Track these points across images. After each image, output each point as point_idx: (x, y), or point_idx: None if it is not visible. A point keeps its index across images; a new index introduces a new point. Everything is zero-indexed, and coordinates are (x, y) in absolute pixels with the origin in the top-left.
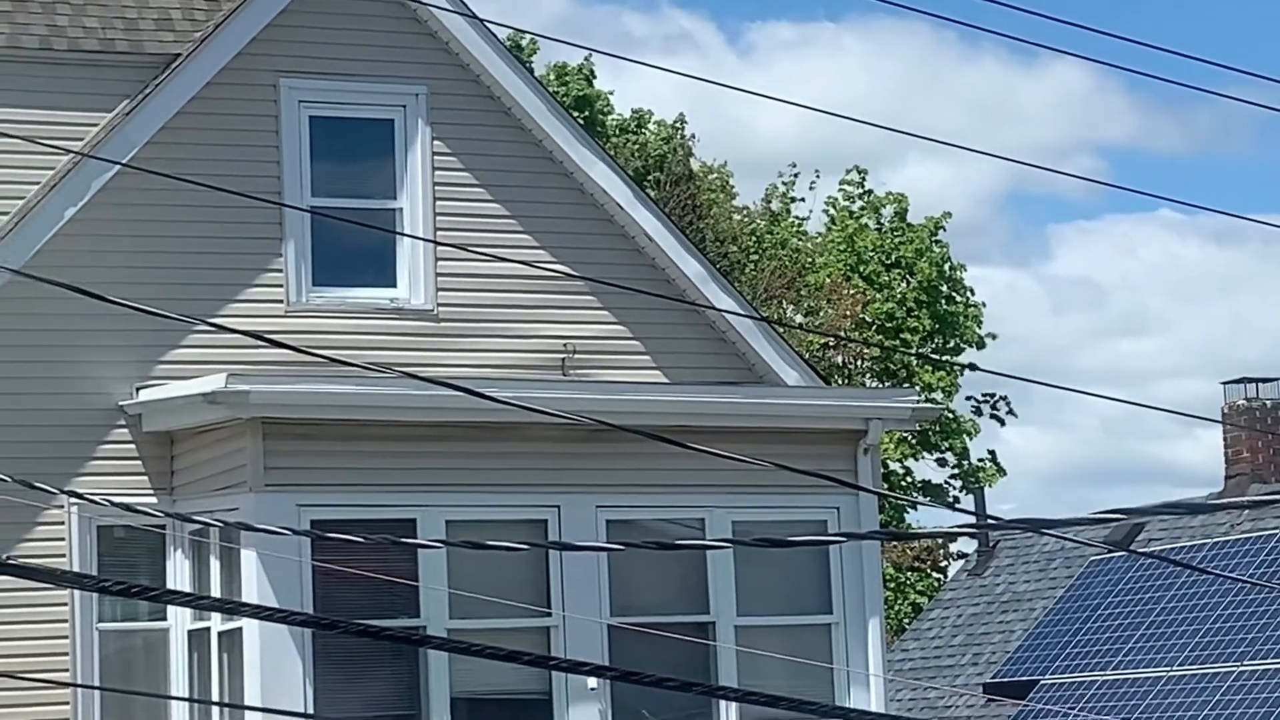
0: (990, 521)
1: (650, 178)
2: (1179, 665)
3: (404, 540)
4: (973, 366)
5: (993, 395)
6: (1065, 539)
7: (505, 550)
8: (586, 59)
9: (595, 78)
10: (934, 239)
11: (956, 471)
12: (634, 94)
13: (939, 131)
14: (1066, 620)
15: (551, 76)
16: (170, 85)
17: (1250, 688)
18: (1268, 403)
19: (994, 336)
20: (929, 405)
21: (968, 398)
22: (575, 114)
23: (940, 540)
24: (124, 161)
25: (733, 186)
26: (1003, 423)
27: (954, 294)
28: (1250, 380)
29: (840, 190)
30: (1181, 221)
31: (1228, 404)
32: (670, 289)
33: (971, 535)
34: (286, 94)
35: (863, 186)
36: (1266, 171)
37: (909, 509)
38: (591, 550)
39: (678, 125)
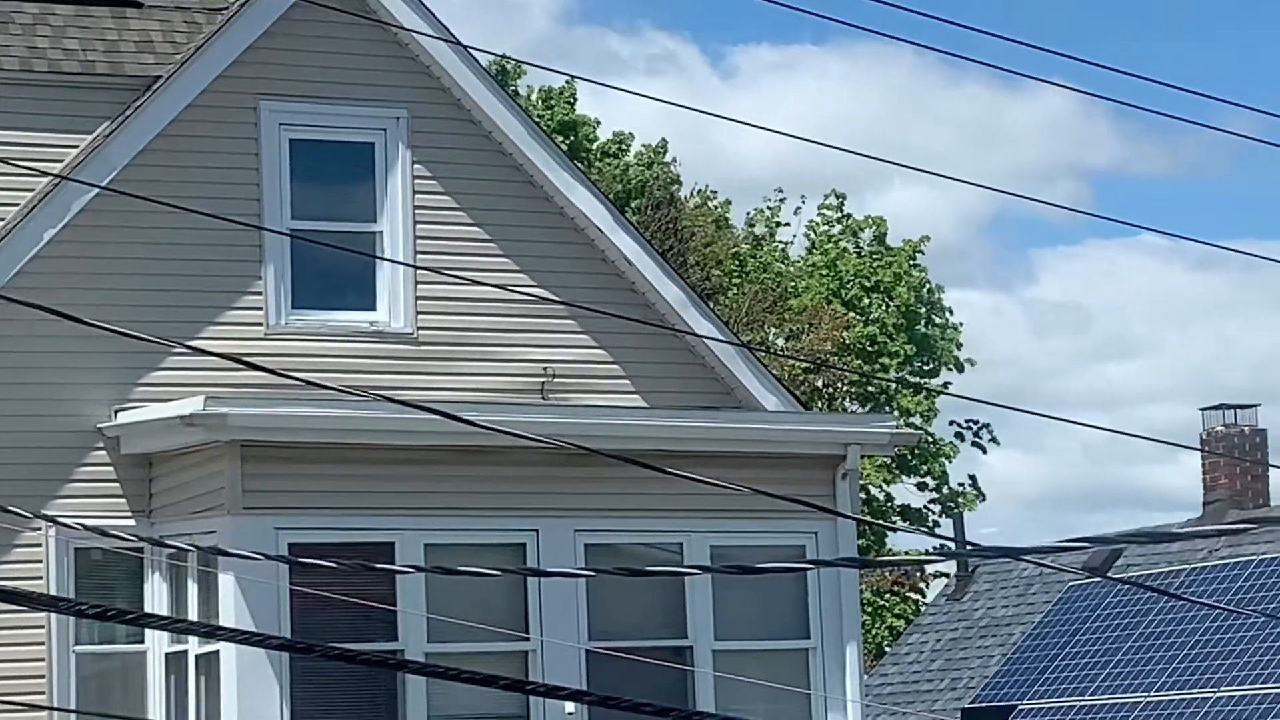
0: (965, 549)
1: (632, 204)
2: (1156, 691)
3: (378, 566)
4: (945, 388)
5: (975, 422)
6: (1042, 565)
7: (479, 576)
8: (569, 82)
9: (576, 100)
10: (912, 263)
11: (936, 496)
12: (617, 115)
13: (924, 154)
14: (1045, 645)
15: (537, 101)
16: (150, 107)
17: (1227, 714)
18: (1246, 429)
19: (972, 362)
20: (908, 431)
21: (950, 422)
22: (559, 139)
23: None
24: (104, 184)
25: (729, 219)
26: (984, 450)
27: (933, 317)
28: (1229, 406)
29: (820, 214)
30: (1165, 247)
31: (1206, 430)
32: (650, 314)
33: (945, 559)
34: (267, 117)
35: (841, 210)
36: (1248, 197)
37: (888, 534)
38: (565, 576)
39: (659, 150)
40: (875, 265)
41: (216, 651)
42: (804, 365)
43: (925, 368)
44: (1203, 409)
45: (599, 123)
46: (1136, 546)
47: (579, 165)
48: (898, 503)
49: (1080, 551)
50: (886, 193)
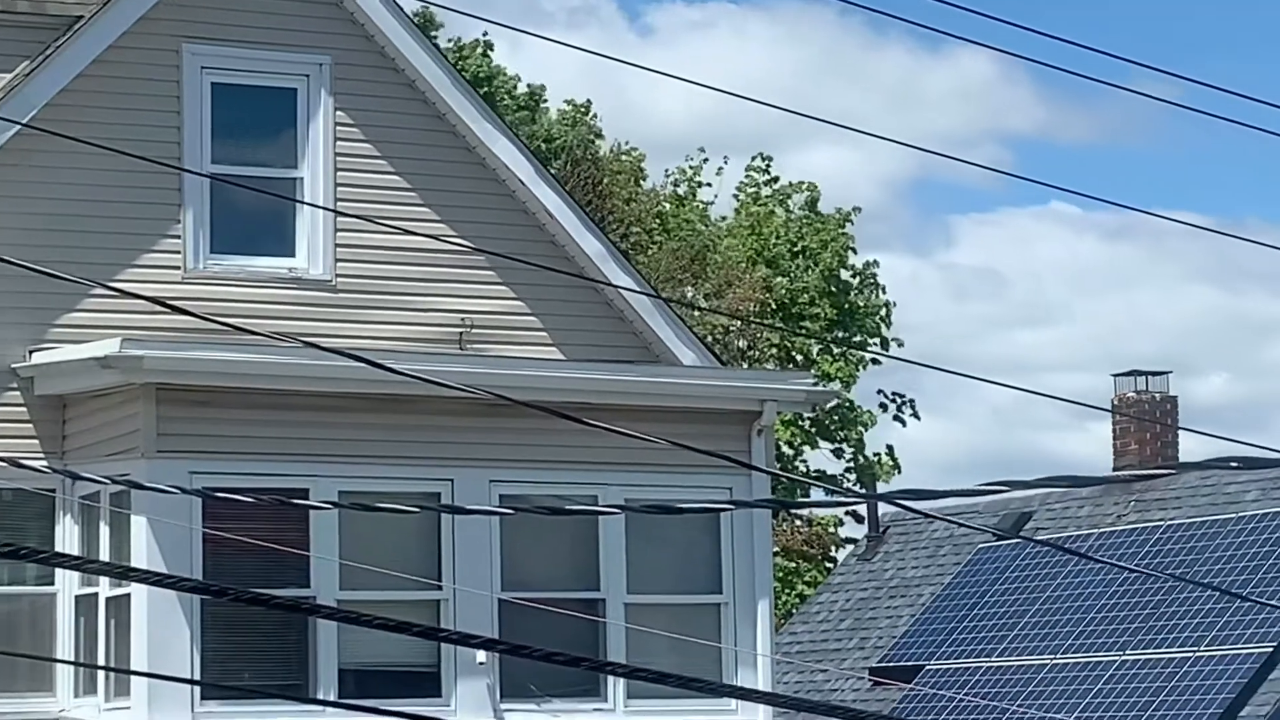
0: (878, 493)
1: (555, 165)
2: (1063, 654)
3: (294, 501)
4: (872, 355)
5: (900, 396)
6: (954, 523)
7: (396, 513)
8: (484, 34)
9: (493, 49)
10: (841, 231)
11: (852, 465)
12: (536, 68)
13: (845, 116)
14: (953, 606)
15: (451, 54)
16: (72, 47)
17: (1132, 677)
18: (1157, 395)
19: (900, 343)
20: (824, 390)
21: (878, 391)
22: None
23: (830, 526)
24: (24, 121)
25: (644, 171)
26: (904, 423)
27: (862, 290)
28: (1141, 373)
29: (748, 176)
30: (1078, 216)
31: (1118, 396)
32: (570, 266)
33: (860, 501)
34: (189, 60)
35: (769, 173)
36: (1169, 165)
37: (802, 494)
38: (483, 514)
39: (583, 108)
40: (804, 231)
41: (128, 594)
42: (726, 326)
43: (849, 335)
44: (1114, 375)
45: (516, 78)
46: (1046, 510)
47: (501, 116)
48: (815, 469)
49: (991, 514)
50: (806, 154)
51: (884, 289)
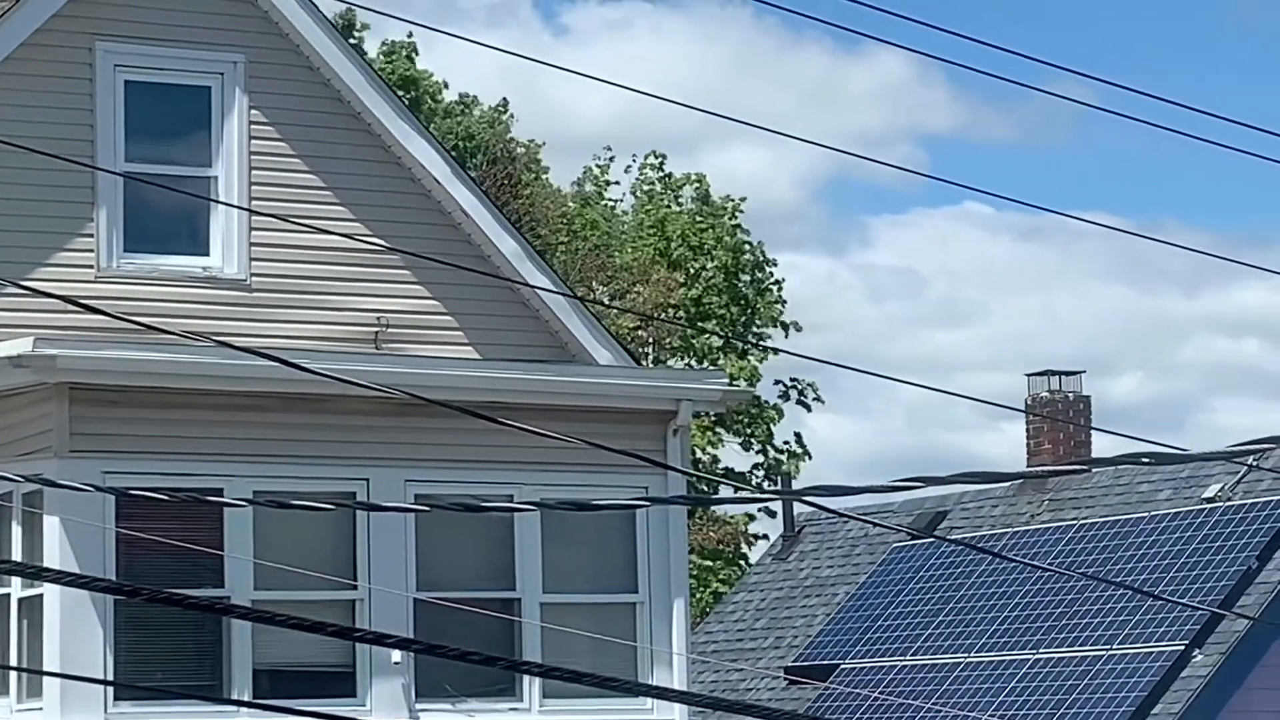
0: (794, 490)
1: (472, 161)
2: (977, 652)
3: (208, 499)
4: (768, 346)
5: (800, 381)
6: (869, 522)
7: (310, 510)
8: (409, 36)
9: (418, 54)
10: (733, 222)
11: (761, 461)
12: (455, 68)
13: (761, 116)
14: (868, 605)
15: (379, 55)
16: None
17: (1045, 675)
18: (1070, 395)
19: (799, 327)
20: (739, 389)
21: (776, 382)
22: (400, 93)
23: (744, 525)
24: None
25: (542, 163)
26: (809, 408)
27: (756, 276)
28: (1054, 373)
29: (641, 175)
30: (992, 216)
31: (1031, 396)
32: (486, 266)
33: (775, 497)
34: (102, 57)
35: (662, 170)
36: (1085, 166)
37: (715, 492)
38: (398, 511)
39: (500, 109)
40: (699, 227)
41: (40, 595)
42: (634, 324)
43: (753, 329)
44: (1028, 374)
45: (434, 76)
46: (960, 509)
47: (417, 116)
48: (723, 466)
49: (905, 514)
50: (723, 154)
51: (775, 264)
